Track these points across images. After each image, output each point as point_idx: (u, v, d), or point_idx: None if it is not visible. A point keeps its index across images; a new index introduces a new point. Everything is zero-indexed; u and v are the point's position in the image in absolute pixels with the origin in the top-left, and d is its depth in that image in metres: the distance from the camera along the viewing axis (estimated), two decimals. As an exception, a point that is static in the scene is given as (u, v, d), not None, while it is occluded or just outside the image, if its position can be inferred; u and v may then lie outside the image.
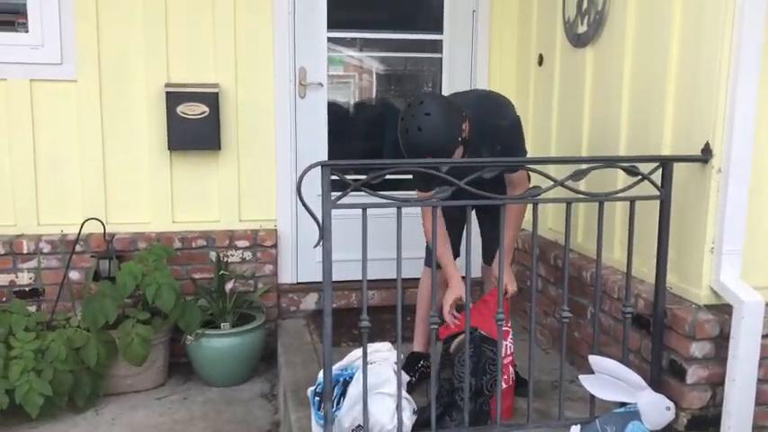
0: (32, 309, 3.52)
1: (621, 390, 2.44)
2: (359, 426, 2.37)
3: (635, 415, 2.40)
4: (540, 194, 2.39)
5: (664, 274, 2.50)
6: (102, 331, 3.31)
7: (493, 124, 2.67)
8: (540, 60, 3.72)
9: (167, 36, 3.67)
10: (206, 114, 3.66)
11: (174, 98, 3.63)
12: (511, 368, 2.77)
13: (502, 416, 2.52)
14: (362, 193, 2.28)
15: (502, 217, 2.42)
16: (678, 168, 2.48)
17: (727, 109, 2.37)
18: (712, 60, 2.40)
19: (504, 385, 2.62)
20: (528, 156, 2.89)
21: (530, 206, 2.54)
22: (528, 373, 2.51)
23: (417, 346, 3.11)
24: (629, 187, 2.45)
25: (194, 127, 3.66)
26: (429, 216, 2.73)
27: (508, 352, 2.75)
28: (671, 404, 2.42)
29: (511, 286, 2.82)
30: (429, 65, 4.21)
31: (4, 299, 3.58)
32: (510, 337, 2.79)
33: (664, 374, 2.54)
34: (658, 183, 2.46)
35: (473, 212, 2.92)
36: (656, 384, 2.51)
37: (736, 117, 2.35)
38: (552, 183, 2.39)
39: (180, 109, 3.63)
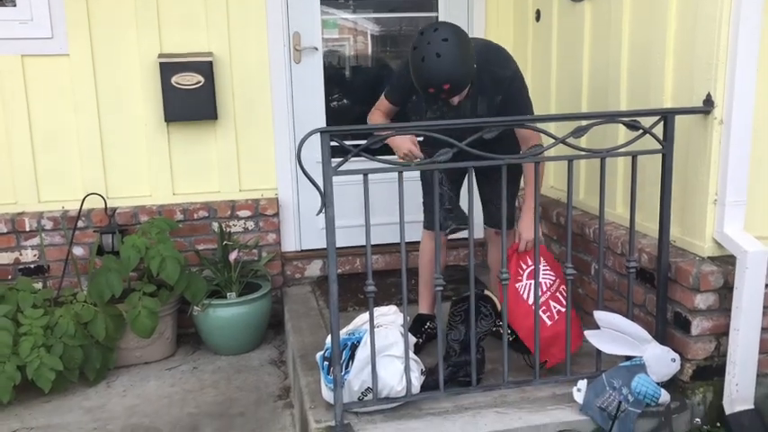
0: (38, 286, 3.53)
1: (627, 344, 2.47)
2: (368, 388, 2.40)
3: (641, 368, 2.43)
4: (541, 152, 2.38)
5: (667, 227, 2.50)
6: (109, 305, 3.33)
7: (495, 73, 2.63)
8: (538, 16, 3.67)
9: (158, 6, 3.61)
10: (201, 84, 3.62)
11: (167, 69, 3.59)
12: (555, 305, 2.72)
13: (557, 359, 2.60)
14: (362, 158, 2.27)
15: (504, 176, 2.41)
16: (680, 121, 2.47)
17: (729, 59, 2.34)
18: (713, 10, 2.36)
19: (549, 322, 2.66)
20: (533, 111, 2.84)
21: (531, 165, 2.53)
22: (534, 330, 2.53)
23: (423, 308, 3.13)
24: (631, 142, 2.43)
25: (190, 97, 3.63)
26: (376, 113, 2.87)
27: (544, 289, 2.72)
28: (676, 356, 2.46)
29: (525, 233, 2.76)
30: (425, 24, 4.14)
31: (9, 277, 3.60)
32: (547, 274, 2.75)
33: (668, 327, 2.57)
34: (660, 136, 2.45)
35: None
36: (661, 337, 2.53)
37: (737, 67, 2.32)
38: (553, 140, 2.38)
39: (174, 79, 3.60)
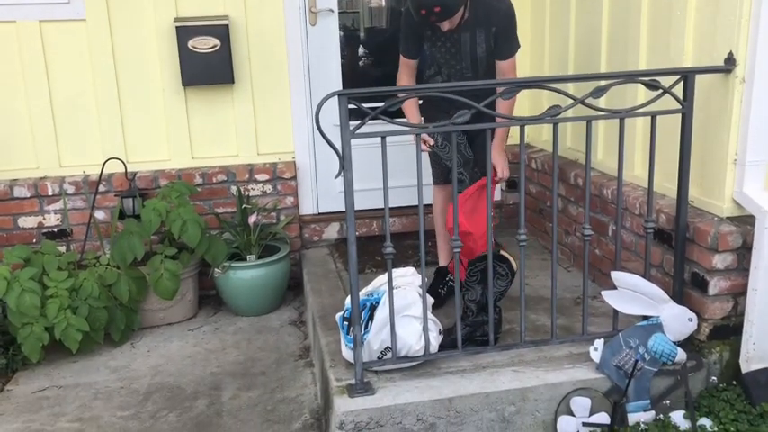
0: (62, 249, 3.61)
1: (644, 303, 2.49)
2: (387, 347, 2.45)
3: (657, 327, 2.45)
4: (559, 114, 2.37)
5: (686, 187, 2.50)
6: (132, 268, 3.40)
7: (491, 5, 2.75)
8: (556, -26, 3.61)
9: (174, -31, 3.61)
10: (217, 48, 3.62)
11: (184, 33, 3.59)
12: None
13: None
14: (380, 120, 2.28)
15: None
16: (700, 80, 2.44)
17: (752, 16, 2.30)
18: (736, -35, 2.32)
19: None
20: (519, 47, 2.91)
21: (549, 126, 2.52)
22: (551, 291, 2.55)
23: (442, 260, 3.18)
24: (650, 102, 2.41)
25: (207, 61, 3.63)
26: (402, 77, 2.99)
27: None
28: (693, 315, 2.47)
29: (499, 169, 2.90)
30: None
31: (34, 240, 3.67)
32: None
33: (686, 287, 2.58)
34: (680, 96, 2.43)
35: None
36: (678, 297, 2.55)
37: (760, 25, 2.28)
38: (572, 101, 2.36)
39: (191, 43, 3.60)
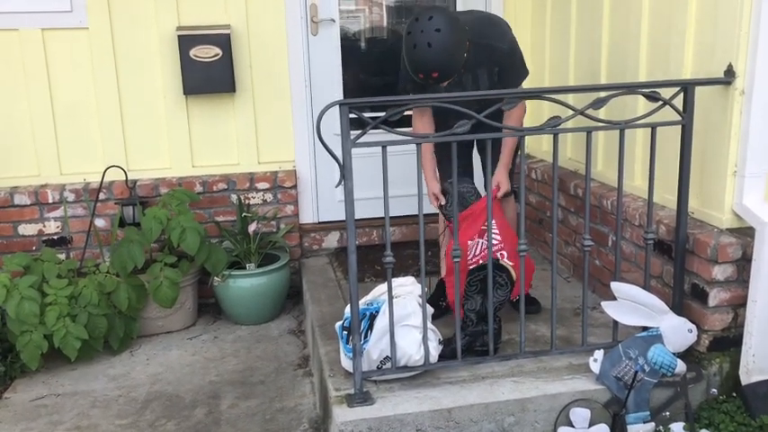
0: (62, 256, 3.60)
1: (644, 314, 2.49)
2: (386, 357, 2.44)
3: (657, 338, 2.45)
4: (559, 124, 2.38)
5: (686, 199, 2.50)
6: (132, 276, 3.40)
7: (492, 46, 2.70)
8: (557, -15, 3.63)
9: (176, -23, 3.63)
10: (219, 57, 3.64)
11: (186, 41, 3.60)
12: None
13: None
14: (380, 130, 2.28)
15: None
16: (700, 92, 2.45)
17: (751, 28, 2.31)
18: (736, -22, 2.33)
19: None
20: (528, 76, 2.90)
21: (549, 137, 2.53)
22: (551, 301, 2.55)
23: (445, 272, 3.17)
24: (650, 113, 2.42)
25: (208, 70, 3.64)
26: (426, 151, 2.90)
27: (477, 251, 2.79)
28: (693, 326, 2.47)
29: (503, 186, 2.88)
30: (421, 9, 4.11)
31: (34, 248, 3.67)
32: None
33: (685, 298, 2.57)
34: (680, 107, 2.43)
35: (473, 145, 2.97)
36: (678, 308, 2.54)
37: (760, 36, 2.29)
38: (572, 112, 2.37)
39: (193, 52, 3.61)
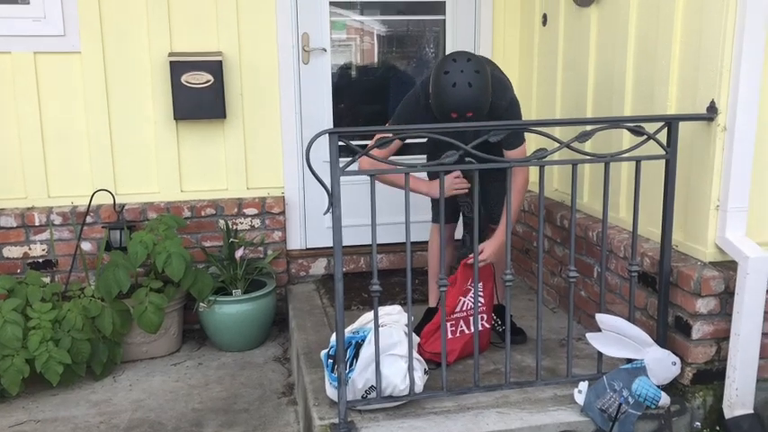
0: (47, 280, 3.58)
1: (628, 346, 2.50)
2: (372, 386, 2.43)
3: (642, 371, 2.46)
4: (545, 156, 2.41)
5: (669, 232, 2.53)
6: (117, 300, 3.37)
7: (493, 103, 2.74)
8: (545, 20, 3.70)
9: (169, 5, 3.66)
10: (210, 83, 3.66)
11: (178, 67, 3.63)
12: (463, 326, 2.87)
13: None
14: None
15: (509, 181, 2.44)
16: (683, 127, 2.50)
17: (733, 67, 2.37)
18: (718, 18, 2.39)
19: (449, 335, 2.78)
20: (525, 138, 2.88)
21: (536, 169, 2.57)
22: (536, 332, 2.56)
23: (432, 302, 3.17)
24: (635, 147, 2.46)
25: (199, 96, 3.67)
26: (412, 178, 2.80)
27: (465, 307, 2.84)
28: (677, 359, 2.48)
29: (485, 253, 2.79)
30: (432, 25, 4.19)
31: (18, 271, 3.64)
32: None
33: (669, 331, 2.59)
34: (664, 142, 2.48)
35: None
36: (662, 341, 2.56)
37: (741, 75, 2.35)
38: (558, 145, 2.40)
39: (184, 78, 3.64)
